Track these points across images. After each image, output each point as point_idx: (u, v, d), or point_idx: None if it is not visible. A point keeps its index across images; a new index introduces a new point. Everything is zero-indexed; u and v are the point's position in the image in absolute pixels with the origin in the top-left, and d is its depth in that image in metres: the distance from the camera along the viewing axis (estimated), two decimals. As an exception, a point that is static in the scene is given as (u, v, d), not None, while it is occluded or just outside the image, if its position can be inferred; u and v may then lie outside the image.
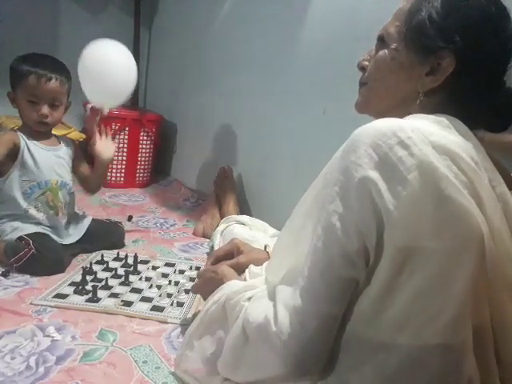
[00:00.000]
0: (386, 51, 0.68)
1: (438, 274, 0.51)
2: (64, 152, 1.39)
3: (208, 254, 1.22)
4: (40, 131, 1.32)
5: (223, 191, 1.78)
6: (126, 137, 2.24)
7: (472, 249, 0.51)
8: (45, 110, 1.27)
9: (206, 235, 1.66)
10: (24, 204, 1.29)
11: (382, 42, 0.69)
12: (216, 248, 1.25)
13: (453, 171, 0.52)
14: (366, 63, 0.72)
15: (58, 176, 1.35)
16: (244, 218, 1.29)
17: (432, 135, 0.54)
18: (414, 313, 0.52)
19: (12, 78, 1.27)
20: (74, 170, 1.43)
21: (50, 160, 1.33)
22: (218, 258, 1.02)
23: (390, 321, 0.52)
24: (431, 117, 0.60)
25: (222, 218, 1.52)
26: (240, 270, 0.97)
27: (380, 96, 0.70)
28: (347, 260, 0.55)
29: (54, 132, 1.40)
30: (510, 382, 0.59)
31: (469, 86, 0.62)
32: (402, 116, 0.61)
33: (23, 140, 1.28)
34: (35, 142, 1.31)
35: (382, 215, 0.52)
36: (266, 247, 1.02)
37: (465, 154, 0.55)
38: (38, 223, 1.31)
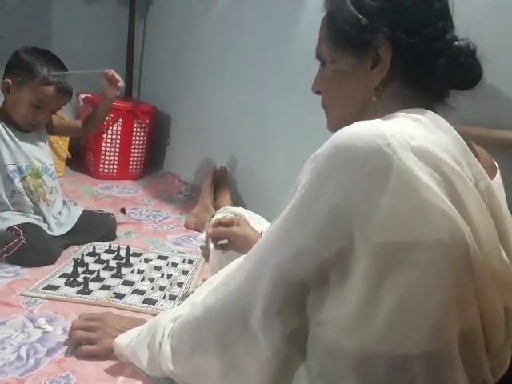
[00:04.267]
0: (325, 67, 0.69)
1: (420, 283, 0.50)
2: (41, 134, 1.37)
3: (202, 246, 1.21)
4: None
5: (218, 188, 1.82)
6: (120, 128, 2.21)
7: (456, 256, 0.50)
8: (44, 118, 1.28)
9: (199, 228, 1.65)
10: (4, 190, 1.26)
11: (319, 59, 0.71)
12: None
13: (435, 178, 0.50)
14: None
15: (38, 161, 1.33)
16: (240, 209, 1.29)
17: (413, 139, 0.51)
18: (396, 324, 0.51)
19: (21, 71, 1.23)
20: (62, 133, 1.50)
21: (28, 145, 1.31)
22: (220, 223, 1.05)
23: (372, 332, 0.51)
24: (410, 115, 0.56)
25: (215, 210, 1.52)
26: (232, 238, 1.02)
27: (341, 111, 0.69)
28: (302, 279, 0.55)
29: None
30: (495, 370, 0.60)
31: (415, 61, 0.60)
32: (372, 117, 0.56)
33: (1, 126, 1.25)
34: (13, 128, 1.27)
35: (359, 224, 0.50)
36: (262, 233, 1.03)
37: (447, 156, 0.52)
38: (26, 214, 1.28)
